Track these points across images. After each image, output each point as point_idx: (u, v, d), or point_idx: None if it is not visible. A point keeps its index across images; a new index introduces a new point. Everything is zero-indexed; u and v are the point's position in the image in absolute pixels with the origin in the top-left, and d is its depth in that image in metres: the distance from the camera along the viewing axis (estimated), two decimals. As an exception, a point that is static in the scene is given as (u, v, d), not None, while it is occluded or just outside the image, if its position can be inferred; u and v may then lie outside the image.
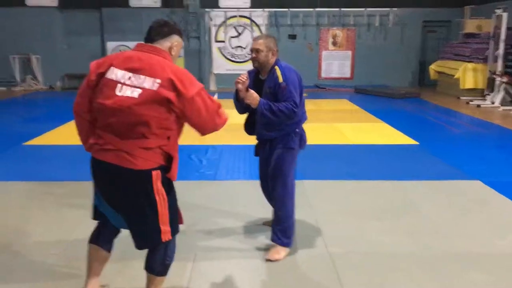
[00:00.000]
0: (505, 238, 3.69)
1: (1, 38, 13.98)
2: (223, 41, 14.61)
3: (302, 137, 3.40)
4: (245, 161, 5.86)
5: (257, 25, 14.51)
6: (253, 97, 3.16)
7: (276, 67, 3.26)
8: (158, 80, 2.24)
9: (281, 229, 3.35)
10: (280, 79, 3.18)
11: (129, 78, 2.27)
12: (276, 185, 3.37)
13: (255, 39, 3.32)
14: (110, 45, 14.34)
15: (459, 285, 3.01)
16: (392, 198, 4.61)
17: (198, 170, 5.56)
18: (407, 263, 3.28)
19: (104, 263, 2.66)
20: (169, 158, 2.37)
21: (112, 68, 2.32)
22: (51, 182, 5.03)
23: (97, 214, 2.58)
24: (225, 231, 3.80)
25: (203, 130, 2.46)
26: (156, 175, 2.30)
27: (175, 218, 2.47)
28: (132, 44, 14.25)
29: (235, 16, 14.40)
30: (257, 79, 3.37)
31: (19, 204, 4.41)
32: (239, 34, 14.60)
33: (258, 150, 3.54)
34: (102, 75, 2.34)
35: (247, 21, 14.49)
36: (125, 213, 2.39)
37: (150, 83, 2.24)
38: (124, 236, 2.59)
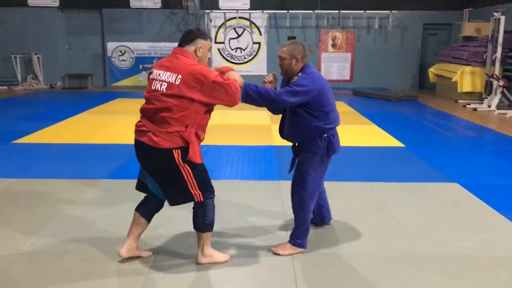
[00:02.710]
0: (471, 240, 3.67)
1: (3, 38, 14.17)
2: (222, 42, 14.66)
3: (330, 143, 3.32)
4: (232, 161, 5.90)
5: (257, 27, 14.55)
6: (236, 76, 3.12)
7: (300, 74, 3.29)
8: (180, 76, 2.87)
9: (295, 229, 3.44)
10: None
11: (159, 74, 2.95)
12: (294, 188, 3.42)
13: (281, 46, 3.34)
14: (111, 45, 14.47)
15: (415, 286, 2.99)
16: (365, 199, 4.60)
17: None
18: (368, 264, 3.28)
19: (141, 228, 3.21)
20: (188, 143, 2.91)
21: (153, 69, 3.04)
22: (31, 180, 5.09)
23: (138, 184, 3.21)
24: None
25: (231, 104, 2.99)
26: (177, 153, 2.89)
27: (206, 186, 3.03)
28: (132, 44, 14.44)
29: (234, 18, 14.45)
30: (287, 85, 3.37)
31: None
32: (239, 35, 14.65)
33: (293, 152, 3.59)
34: (149, 74, 3.07)
35: (247, 23, 14.53)
36: (158, 181, 3.01)
37: (174, 78, 2.88)
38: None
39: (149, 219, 3.23)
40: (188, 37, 3.02)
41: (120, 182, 5.06)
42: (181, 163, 2.90)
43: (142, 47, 14.41)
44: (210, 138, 7.04)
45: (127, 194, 4.61)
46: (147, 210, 3.21)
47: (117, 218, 4.01)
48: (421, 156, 6.27)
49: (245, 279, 3.09)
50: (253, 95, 3.15)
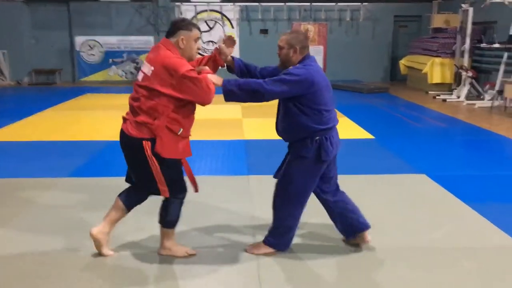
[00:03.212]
0: (438, 232, 3.67)
1: (-34, 33, 13.69)
2: (194, 36, 14.46)
3: (322, 146, 3.02)
4: (201, 156, 5.79)
5: (229, 20, 14.42)
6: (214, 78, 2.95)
7: (298, 65, 3.02)
8: (152, 68, 2.87)
9: (271, 229, 3.27)
10: None
11: (143, 65, 2.98)
12: (276, 190, 3.20)
13: (281, 35, 3.11)
14: (79, 39, 14.13)
15: (385, 279, 2.97)
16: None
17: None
18: (337, 258, 3.23)
19: (119, 214, 3.14)
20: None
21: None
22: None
23: (127, 176, 3.19)
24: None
25: (201, 100, 2.90)
26: (146, 144, 2.88)
27: (175, 185, 3.03)
28: (101, 38, 14.12)
29: (205, 11, 14.28)
30: None
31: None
32: (210, 28, 14.48)
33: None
34: None
35: (218, 15, 14.38)
36: (130, 168, 3.09)
37: (147, 69, 2.89)
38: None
39: (128, 207, 3.17)
40: (170, 29, 2.98)
41: (83, 180, 4.92)
42: (150, 155, 2.88)
43: (112, 41, 14.10)
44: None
45: (90, 193, 4.50)
46: (127, 198, 3.16)
47: (77, 218, 3.88)
48: (390, 148, 6.28)
49: (208, 277, 3.01)
50: (233, 88, 2.91)
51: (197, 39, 2.99)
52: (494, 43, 10.36)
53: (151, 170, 2.91)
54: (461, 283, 2.92)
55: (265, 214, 3.74)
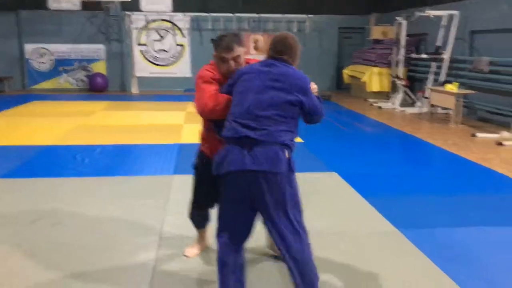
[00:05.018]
0: (327, 219, 4.10)
1: None
2: (145, 45, 14.74)
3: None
4: (135, 159, 6.11)
5: (179, 29, 14.75)
6: None
7: None
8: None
9: None
10: None
11: None
12: None
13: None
14: (28, 47, 14.17)
15: (257, 272, 3.35)
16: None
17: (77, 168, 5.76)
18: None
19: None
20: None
21: None
22: None
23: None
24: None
25: (197, 110, 2.82)
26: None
27: (193, 195, 3.22)
28: (51, 46, 14.19)
29: (156, 20, 14.58)
30: None
31: None
32: (162, 37, 14.78)
33: None
34: None
35: (169, 25, 14.70)
36: None
37: None
38: None
39: None
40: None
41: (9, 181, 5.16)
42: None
43: (62, 49, 14.21)
44: (120, 137, 7.28)
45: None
46: None
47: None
48: (314, 151, 6.76)
49: (103, 276, 3.33)
50: None
51: (221, 59, 2.75)
52: (423, 54, 11.09)
53: None
54: (331, 261, 3.35)
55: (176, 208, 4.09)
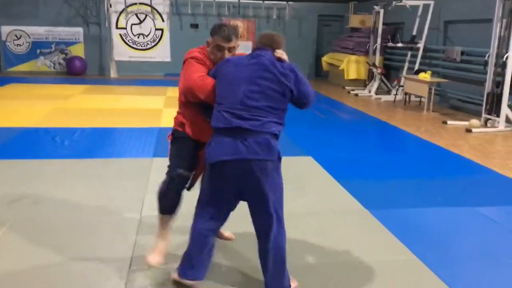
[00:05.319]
0: (300, 200, 4.30)
1: None
2: (124, 28, 14.65)
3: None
4: (115, 142, 6.21)
5: (159, 13, 14.70)
6: None
7: None
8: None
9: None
10: None
11: None
12: None
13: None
14: (5, 29, 13.97)
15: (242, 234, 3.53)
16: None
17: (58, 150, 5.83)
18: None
19: None
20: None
21: None
22: None
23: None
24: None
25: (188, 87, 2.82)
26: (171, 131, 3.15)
27: (172, 161, 3.04)
28: (28, 28, 14.00)
29: (135, 4, 14.49)
30: None
31: None
32: (141, 21, 14.71)
33: None
34: None
35: (149, 9, 14.63)
36: None
37: None
38: None
39: None
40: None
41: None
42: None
43: (39, 31, 14.04)
44: (100, 121, 7.34)
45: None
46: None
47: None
48: (291, 136, 6.92)
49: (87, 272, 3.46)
50: None
51: (217, 46, 2.82)
52: (399, 43, 11.35)
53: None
54: (303, 239, 3.55)
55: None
